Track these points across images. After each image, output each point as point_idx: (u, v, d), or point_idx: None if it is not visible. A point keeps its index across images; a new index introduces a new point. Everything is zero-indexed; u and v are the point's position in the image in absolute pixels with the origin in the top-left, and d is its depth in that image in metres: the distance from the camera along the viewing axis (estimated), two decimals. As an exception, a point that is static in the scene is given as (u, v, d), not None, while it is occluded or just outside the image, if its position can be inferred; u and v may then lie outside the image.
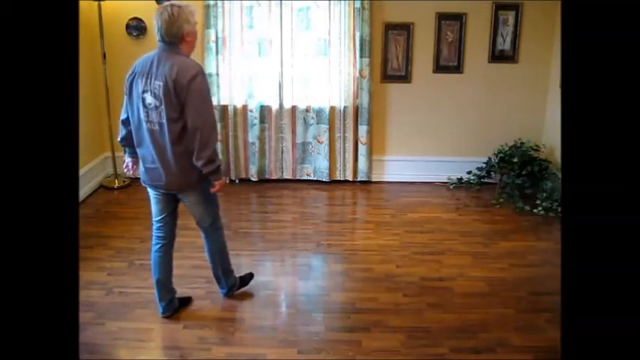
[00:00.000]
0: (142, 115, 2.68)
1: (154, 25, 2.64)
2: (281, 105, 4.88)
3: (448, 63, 4.86)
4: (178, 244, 3.85)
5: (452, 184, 5.04)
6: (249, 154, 4.99)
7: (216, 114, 4.84)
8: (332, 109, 4.89)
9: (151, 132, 2.68)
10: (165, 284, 3.05)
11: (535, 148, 4.77)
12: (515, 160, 4.65)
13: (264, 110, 4.92)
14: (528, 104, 4.94)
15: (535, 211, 4.40)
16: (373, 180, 5.11)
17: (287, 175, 5.08)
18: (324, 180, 5.04)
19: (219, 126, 4.88)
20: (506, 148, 4.80)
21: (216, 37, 4.68)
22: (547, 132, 4.94)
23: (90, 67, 4.77)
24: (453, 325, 2.98)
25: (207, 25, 4.65)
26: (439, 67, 4.87)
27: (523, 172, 4.63)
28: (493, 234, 4.10)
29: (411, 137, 5.06)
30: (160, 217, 2.97)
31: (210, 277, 3.40)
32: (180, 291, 3.28)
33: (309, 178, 5.09)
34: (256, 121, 4.88)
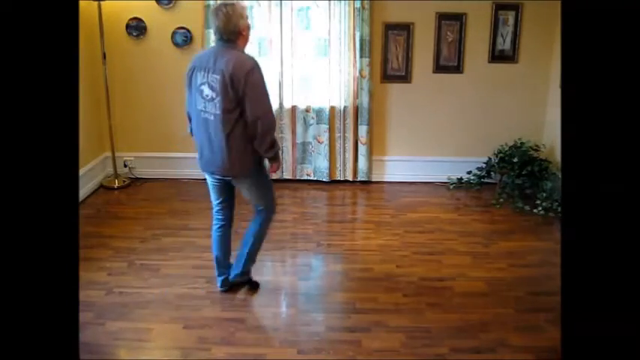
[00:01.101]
0: (200, 106, 2.86)
1: (211, 25, 2.77)
2: (281, 105, 4.88)
3: (448, 63, 4.86)
4: (179, 244, 3.88)
5: (452, 184, 5.04)
6: (249, 154, 4.99)
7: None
8: (332, 109, 4.89)
9: (207, 122, 2.86)
10: (222, 261, 3.23)
11: (535, 148, 4.77)
12: (515, 160, 4.65)
13: (264, 110, 4.91)
14: (528, 104, 4.94)
15: (535, 211, 4.40)
16: (373, 180, 5.11)
17: (287, 175, 5.08)
18: (324, 180, 5.04)
19: (219, 126, 4.88)
20: (506, 148, 4.80)
21: (216, 37, 4.67)
22: (547, 132, 4.94)
23: (90, 67, 4.77)
24: (453, 325, 2.98)
25: (207, 25, 4.65)
26: (439, 67, 4.87)
27: (523, 172, 4.63)
28: (493, 234, 4.10)
29: (411, 137, 5.06)
30: (218, 202, 3.20)
31: (211, 277, 3.42)
32: (181, 291, 3.29)
33: (309, 178, 5.09)
34: (256, 121, 4.88)
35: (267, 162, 3.05)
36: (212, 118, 2.83)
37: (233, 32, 2.76)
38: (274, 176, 5.05)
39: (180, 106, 4.97)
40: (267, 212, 3.19)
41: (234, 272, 3.27)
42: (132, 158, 5.13)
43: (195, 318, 3.04)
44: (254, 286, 3.34)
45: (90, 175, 4.80)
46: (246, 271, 3.29)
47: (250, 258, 3.26)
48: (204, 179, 5.05)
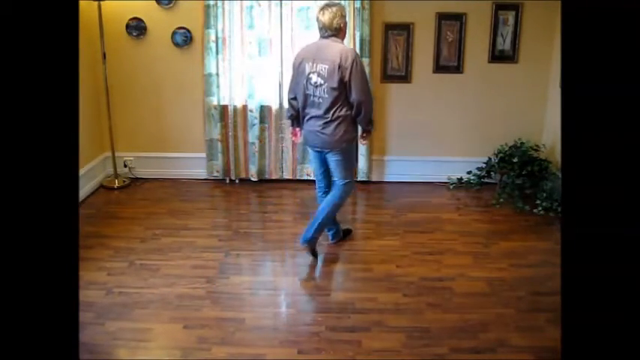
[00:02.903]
0: (308, 91, 3.42)
1: (316, 22, 3.39)
2: (281, 105, 4.88)
3: (448, 63, 4.86)
4: (178, 244, 3.88)
5: (452, 184, 5.04)
6: (249, 154, 4.99)
7: (216, 114, 4.86)
8: (332, 109, 4.88)
9: (314, 104, 3.42)
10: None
11: (535, 148, 4.77)
12: (515, 160, 4.65)
13: (264, 110, 4.91)
14: (528, 104, 4.94)
15: (535, 211, 4.40)
16: (373, 180, 5.11)
17: (287, 175, 5.08)
18: (324, 180, 5.03)
19: (219, 126, 4.88)
20: (506, 148, 4.80)
21: (216, 37, 4.67)
22: (547, 132, 4.94)
23: (90, 67, 4.77)
24: (453, 325, 2.98)
25: (207, 25, 4.65)
26: (439, 67, 4.87)
27: (523, 172, 4.63)
28: (493, 234, 4.10)
29: (411, 137, 5.05)
30: (320, 171, 3.72)
31: (210, 276, 3.44)
32: (181, 291, 3.29)
33: (309, 178, 5.08)
34: (256, 121, 4.88)
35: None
36: (320, 101, 3.38)
37: (336, 28, 3.34)
38: (274, 175, 5.07)
39: (179, 106, 4.99)
40: (347, 185, 3.61)
41: (304, 237, 3.61)
42: (132, 158, 5.13)
43: (195, 318, 3.04)
44: (347, 233, 3.96)
45: (90, 175, 4.80)
46: (314, 238, 3.61)
47: (321, 227, 3.63)
48: (204, 179, 5.11)
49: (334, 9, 3.33)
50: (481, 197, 4.81)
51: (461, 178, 5.03)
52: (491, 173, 4.92)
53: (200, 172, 5.13)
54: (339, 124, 3.40)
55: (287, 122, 4.90)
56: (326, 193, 3.72)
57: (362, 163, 4.98)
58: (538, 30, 4.75)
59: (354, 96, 3.32)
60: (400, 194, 4.88)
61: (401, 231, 4.13)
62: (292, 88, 3.60)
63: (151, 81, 4.94)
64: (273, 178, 5.09)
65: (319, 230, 3.62)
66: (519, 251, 3.83)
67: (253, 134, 4.92)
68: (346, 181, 3.59)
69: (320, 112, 3.40)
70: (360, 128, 3.60)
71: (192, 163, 5.13)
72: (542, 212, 4.37)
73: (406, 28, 4.77)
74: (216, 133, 4.92)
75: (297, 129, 3.78)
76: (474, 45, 4.80)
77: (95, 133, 4.96)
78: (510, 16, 4.72)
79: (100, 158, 5.03)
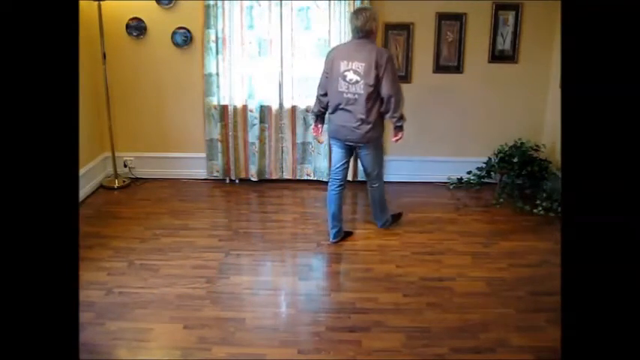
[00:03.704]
0: (342, 89, 3.60)
1: (349, 24, 3.65)
2: (281, 105, 4.88)
3: (448, 63, 4.86)
4: (178, 244, 3.88)
5: (452, 184, 5.04)
6: (249, 154, 4.99)
7: (216, 114, 4.86)
8: (332, 109, 4.89)
9: (348, 100, 3.60)
10: (337, 216, 3.90)
11: (535, 148, 4.76)
12: (515, 160, 4.65)
13: (264, 110, 4.91)
14: (528, 104, 4.94)
15: (535, 211, 4.40)
16: (373, 180, 5.10)
17: (287, 175, 5.08)
18: (324, 180, 5.03)
19: (219, 126, 4.88)
20: (506, 148, 4.80)
21: (216, 37, 4.67)
22: (547, 132, 4.94)
23: (90, 67, 4.77)
24: (453, 325, 2.98)
25: (207, 25, 4.65)
26: (439, 67, 4.87)
27: (523, 172, 4.63)
28: (493, 234, 4.10)
29: (411, 137, 5.03)
30: (340, 164, 3.85)
31: (210, 276, 3.44)
32: (181, 291, 3.29)
33: (309, 178, 5.09)
34: (256, 121, 4.88)
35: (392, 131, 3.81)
36: (355, 97, 3.57)
37: (368, 31, 3.55)
38: (274, 175, 5.07)
39: (179, 106, 5.00)
40: (379, 177, 3.96)
41: (379, 224, 4.13)
42: (132, 158, 5.13)
43: (195, 318, 3.04)
44: (398, 217, 4.26)
45: (90, 175, 4.80)
46: (387, 220, 4.12)
47: (384, 211, 4.10)
48: (204, 179, 5.11)
49: (367, 13, 3.55)
50: (481, 197, 4.81)
51: (461, 178, 5.03)
52: (491, 173, 4.92)
53: (200, 172, 5.14)
54: (373, 120, 3.60)
55: (286, 122, 4.93)
56: (341, 186, 3.84)
57: (362, 163, 4.98)
58: (538, 30, 4.75)
59: (384, 91, 3.53)
60: (400, 194, 4.87)
61: (401, 231, 4.13)
62: (323, 85, 3.76)
63: (151, 81, 4.94)
64: (273, 178, 5.08)
65: (383, 212, 4.09)
66: (519, 251, 3.83)
67: (253, 134, 4.92)
68: (380, 173, 3.96)
69: (355, 108, 3.57)
70: (392, 127, 3.76)
71: (192, 163, 5.13)
72: (542, 212, 4.37)
73: (406, 28, 4.77)
74: (216, 133, 4.92)
75: (320, 125, 3.93)
76: (474, 45, 4.80)
77: (95, 133, 4.96)
78: (510, 16, 4.72)
79: (100, 158, 5.03)
